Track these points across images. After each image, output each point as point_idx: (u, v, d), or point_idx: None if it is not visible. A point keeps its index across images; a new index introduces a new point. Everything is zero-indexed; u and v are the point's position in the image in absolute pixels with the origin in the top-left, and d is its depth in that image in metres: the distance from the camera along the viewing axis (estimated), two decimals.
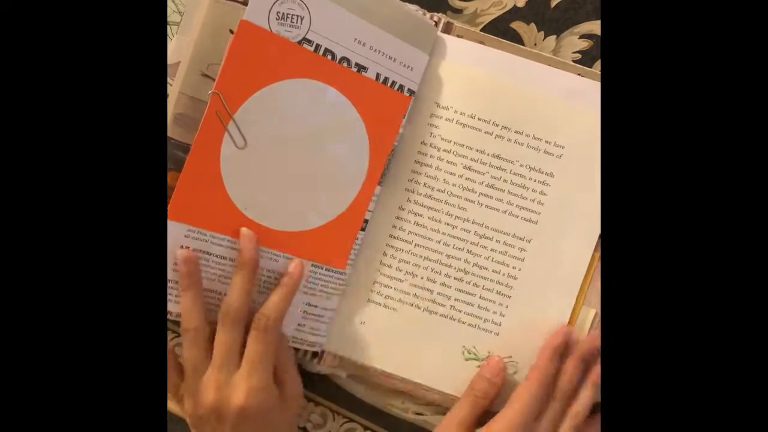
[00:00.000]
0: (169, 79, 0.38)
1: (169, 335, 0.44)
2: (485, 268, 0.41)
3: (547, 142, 0.42)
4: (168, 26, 0.40)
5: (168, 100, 0.36)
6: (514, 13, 0.44)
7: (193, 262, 0.36)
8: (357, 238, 0.41)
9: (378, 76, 0.39)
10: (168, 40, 0.40)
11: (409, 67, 0.40)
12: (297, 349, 0.43)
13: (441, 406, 0.43)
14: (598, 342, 0.39)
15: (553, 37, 0.43)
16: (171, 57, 0.39)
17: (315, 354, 0.43)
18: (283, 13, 0.35)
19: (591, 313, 0.41)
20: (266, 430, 0.37)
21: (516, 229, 0.41)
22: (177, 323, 0.44)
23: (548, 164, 0.42)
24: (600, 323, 0.41)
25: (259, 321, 0.37)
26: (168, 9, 0.40)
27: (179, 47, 0.39)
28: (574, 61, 0.43)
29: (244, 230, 0.37)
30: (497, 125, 0.42)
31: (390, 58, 0.39)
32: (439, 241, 0.42)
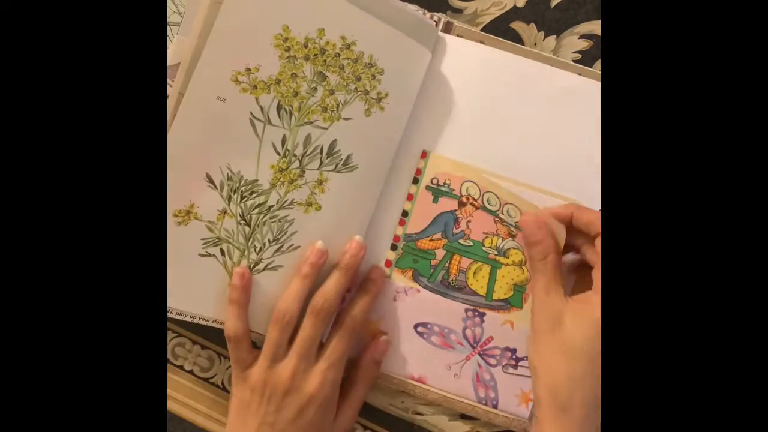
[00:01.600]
0: (169, 80, 0.38)
1: (170, 335, 0.45)
2: None
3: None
4: (168, 27, 0.40)
5: (168, 100, 0.36)
6: (514, 13, 0.44)
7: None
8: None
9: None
10: (168, 40, 0.40)
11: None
12: None
13: (441, 406, 0.43)
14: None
15: (553, 37, 0.43)
16: (171, 58, 0.39)
17: None
18: None
19: None
20: (318, 426, 0.39)
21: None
22: (177, 323, 0.44)
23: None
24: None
25: (347, 322, 0.40)
26: (168, 9, 0.40)
27: (179, 48, 0.39)
28: (574, 61, 0.43)
29: (357, 237, 0.41)
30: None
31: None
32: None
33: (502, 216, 0.42)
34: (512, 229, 0.42)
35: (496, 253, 0.42)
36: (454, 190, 0.42)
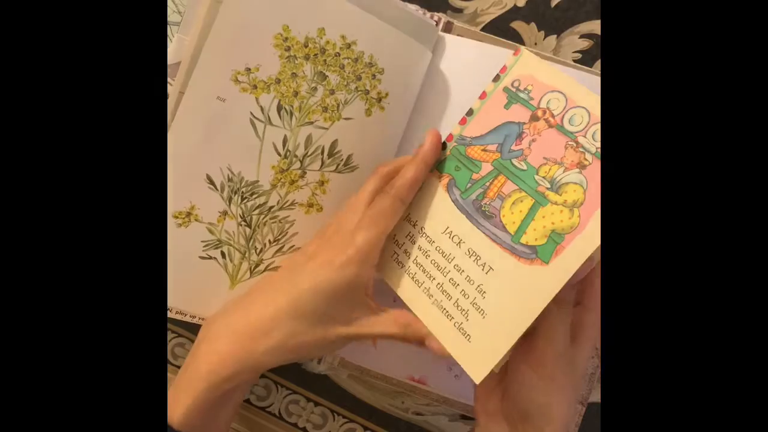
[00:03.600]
0: (169, 79, 0.38)
1: (170, 335, 0.44)
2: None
3: None
4: (168, 26, 0.40)
5: (168, 100, 0.36)
6: (515, 12, 0.44)
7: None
8: None
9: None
10: (168, 40, 0.40)
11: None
12: None
13: (441, 406, 0.43)
14: None
15: (554, 36, 0.43)
16: (171, 57, 0.39)
17: None
18: None
19: None
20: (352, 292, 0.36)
21: None
22: (177, 323, 0.44)
23: None
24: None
25: (396, 186, 0.36)
26: (168, 9, 0.40)
27: (179, 47, 0.39)
28: (574, 61, 0.43)
29: (433, 130, 0.37)
30: None
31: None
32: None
33: (581, 140, 0.33)
34: (588, 156, 0.33)
35: (548, 186, 0.33)
36: (533, 99, 0.35)
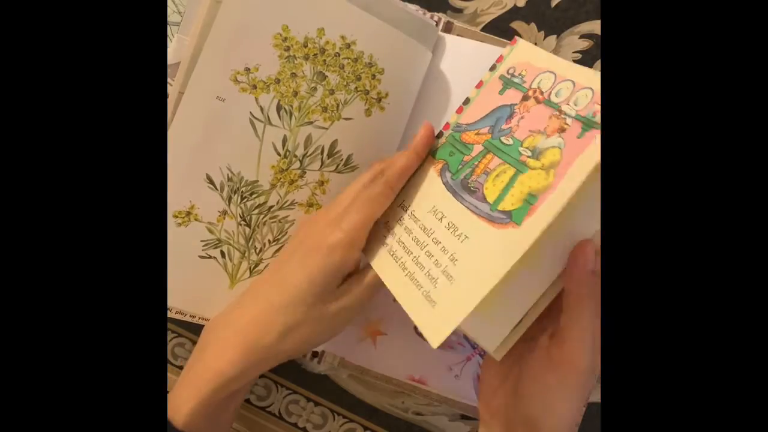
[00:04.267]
0: (169, 79, 0.38)
1: (170, 335, 0.44)
2: None
3: None
4: (168, 26, 0.40)
5: (168, 100, 0.36)
6: (515, 12, 0.44)
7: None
8: None
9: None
10: (168, 40, 0.40)
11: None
12: None
13: (441, 406, 0.43)
14: None
15: (554, 36, 0.43)
16: (171, 57, 0.39)
17: (315, 354, 0.43)
18: None
19: None
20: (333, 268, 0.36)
21: None
22: (177, 323, 0.44)
23: None
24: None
25: (387, 174, 0.37)
26: (168, 9, 0.40)
27: (179, 47, 0.39)
28: (574, 61, 0.43)
29: (427, 122, 0.38)
30: None
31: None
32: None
33: (564, 107, 0.33)
34: (568, 120, 0.32)
35: (530, 154, 0.33)
36: (525, 82, 0.36)
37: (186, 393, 0.35)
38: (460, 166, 0.36)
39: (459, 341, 0.42)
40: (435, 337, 0.30)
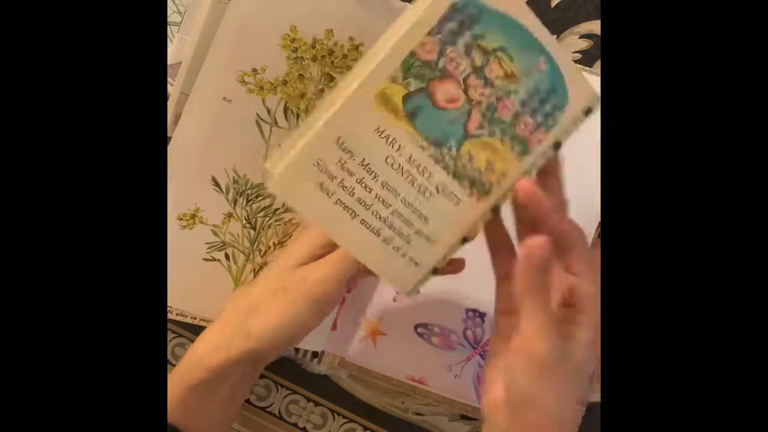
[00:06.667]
0: (170, 79, 0.38)
1: (170, 335, 0.44)
2: None
3: None
4: (168, 26, 0.40)
5: (169, 100, 0.36)
6: None
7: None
8: None
9: None
10: (168, 40, 0.40)
11: None
12: (297, 350, 0.43)
13: (441, 406, 0.43)
14: None
15: (554, 37, 0.43)
16: (172, 57, 0.39)
17: (315, 354, 0.43)
18: None
19: None
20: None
21: None
22: (177, 323, 0.44)
23: None
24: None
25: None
26: (168, 9, 0.40)
27: (180, 47, 0.39)
28: (574, 61, 0.43)
29: None
30: None
31: None
32: None
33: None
34: None
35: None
36: None
37: (170, 383, 0.35)
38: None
39: (459, 341, 0.42)
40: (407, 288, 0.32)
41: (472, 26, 0.28)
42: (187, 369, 0.35)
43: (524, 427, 0.31)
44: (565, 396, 0.32)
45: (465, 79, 0.29)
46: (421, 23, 0.27)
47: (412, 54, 0.27)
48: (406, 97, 0.28)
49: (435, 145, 0.30)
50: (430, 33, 0.27)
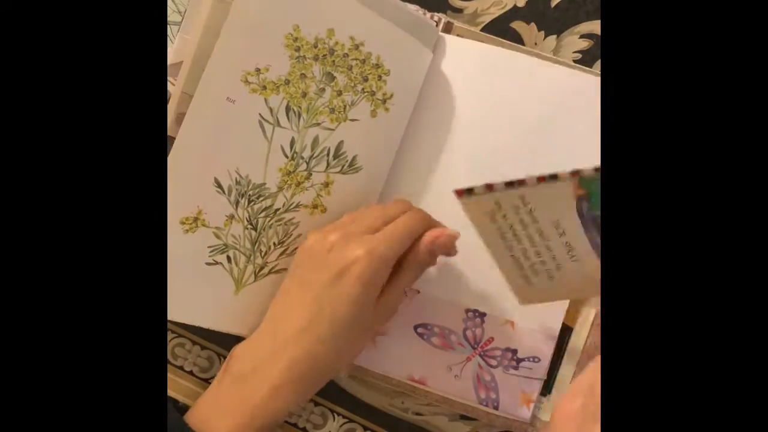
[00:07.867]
0: (171, 79, 0.38)
1: (170, 335, 0.44)
2: None
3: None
4: (168, 26, 0.40)
5: (170, 99, 0.36)
6: (515, 12, 0.44)
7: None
8: None
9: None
10: (168, 40, 0.40)
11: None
12: None
13: (441, 407, 0.44)
14: None
15: (554, 36, 0.44)
16: (173, 57, 0.38)
17: None
18: None
19: (591, 313, 0.41)
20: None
21: None
22: (177, 323, 0.44)
23: None
24: (600, 323, 0.41)
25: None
26: (168, 9, 0.40)
27: (182, 47, 0.38)
28: (574, 61, 0.43)
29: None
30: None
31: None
32: None
33: None
34: None
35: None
36: None
37: (229, 416, 0.35)
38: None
39: (459, 342, 0.42)
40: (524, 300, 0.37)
41: None
42: (259, 406, 0.36)
43: None
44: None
45: None
46: None
47: None
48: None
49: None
50: None
